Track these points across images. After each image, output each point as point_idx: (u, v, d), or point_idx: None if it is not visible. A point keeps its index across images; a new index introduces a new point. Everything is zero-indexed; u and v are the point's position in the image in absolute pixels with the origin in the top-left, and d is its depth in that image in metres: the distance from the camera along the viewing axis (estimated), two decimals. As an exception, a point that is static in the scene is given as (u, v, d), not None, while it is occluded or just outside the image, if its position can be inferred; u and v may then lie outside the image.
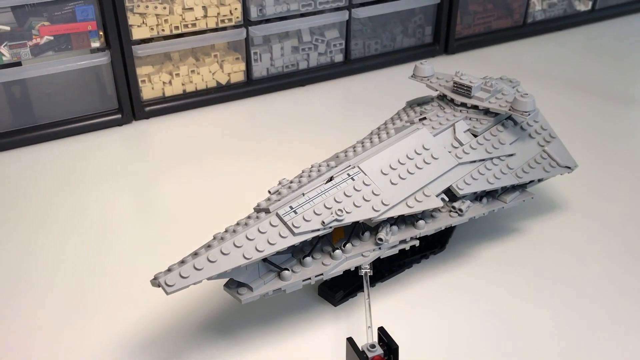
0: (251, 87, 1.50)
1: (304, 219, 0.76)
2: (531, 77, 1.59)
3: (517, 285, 0.92)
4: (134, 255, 0.98)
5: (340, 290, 0.88)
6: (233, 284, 0.76)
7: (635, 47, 1.80)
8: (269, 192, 0.82)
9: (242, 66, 1.49)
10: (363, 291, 0.81)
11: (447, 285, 0.91)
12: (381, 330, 0.69)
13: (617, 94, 1.51)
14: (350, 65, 1.61)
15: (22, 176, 1.20)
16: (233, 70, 1.48)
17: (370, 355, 0.67)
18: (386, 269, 0.92)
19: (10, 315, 0.87)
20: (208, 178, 1.19)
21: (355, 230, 0.84)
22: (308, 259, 0.79)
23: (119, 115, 1.38)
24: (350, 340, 0.69)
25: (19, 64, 1.26)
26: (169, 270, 0.70)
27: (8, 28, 1.23)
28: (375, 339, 0.70)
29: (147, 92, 1.41)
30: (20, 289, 0.92)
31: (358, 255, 0.82)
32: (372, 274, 0.82)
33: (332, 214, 0.77)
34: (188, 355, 0.80)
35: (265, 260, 0.76)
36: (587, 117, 1.41)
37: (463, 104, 0.98)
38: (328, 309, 0.87)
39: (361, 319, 0.84)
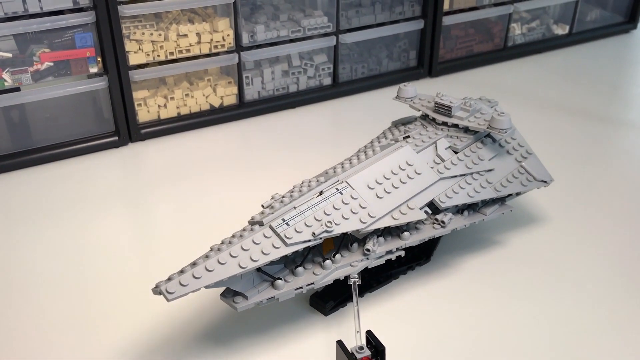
0: (243, 109, 1.53)
1: (295, 230, 0.80)
2: (511, 98, 1.64)
3: (498, 294, 0.95)
4: (132, 271, 1.01)
5: (331, 300, 0.91)
6: (229, 293, 0.80)
7: (610, 68, 1.86)
8: (263, 206, 0.86)
9: (235, 89, 1.52)
10: (352, 300, 0.84)
11: (432, 294, 0.95)
12: (369, 333, 0.73)
13: (593, 113, 1.56)
14: (338, 88, 1.65)
15: (21, 197, 1.23)
16: (226, 94, 1.51)
17: (359, 356, 0.70)
18: (374, 280, 0.96)
19: (11, 331, 0.89)
20: (203, 197, 1.22)
21: (344, 242, 0.87)
22: (300, 269, 0.83)
23: (116, 138, 1.40)
24: (340, 343, 0.71)
25: (17, 89, 1.29)
26: (169, 279, 0.73)
27: (10, 55, 1.26)
28: (364, 342, 0.74)
29: (143, 115, 1.44)
30: (21, 305, 0.94)
31: (347, 265, 0.86)
32: (360, 283, 0.86)
33: (322, 225, 0.81)
34: (186, 363, 0.83)
35: (259, 270, 0.80)
36: (564, 134, 1.46)
37: (444, 123, 1.02)
38: (319, 318, 0.91)
39: (351, 327, 0.88)
